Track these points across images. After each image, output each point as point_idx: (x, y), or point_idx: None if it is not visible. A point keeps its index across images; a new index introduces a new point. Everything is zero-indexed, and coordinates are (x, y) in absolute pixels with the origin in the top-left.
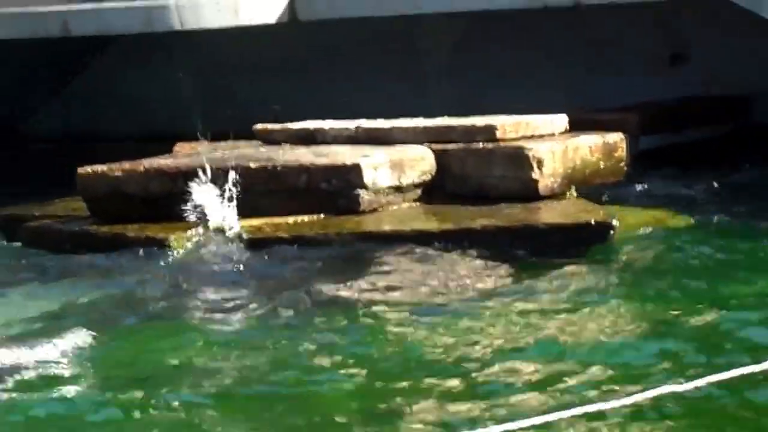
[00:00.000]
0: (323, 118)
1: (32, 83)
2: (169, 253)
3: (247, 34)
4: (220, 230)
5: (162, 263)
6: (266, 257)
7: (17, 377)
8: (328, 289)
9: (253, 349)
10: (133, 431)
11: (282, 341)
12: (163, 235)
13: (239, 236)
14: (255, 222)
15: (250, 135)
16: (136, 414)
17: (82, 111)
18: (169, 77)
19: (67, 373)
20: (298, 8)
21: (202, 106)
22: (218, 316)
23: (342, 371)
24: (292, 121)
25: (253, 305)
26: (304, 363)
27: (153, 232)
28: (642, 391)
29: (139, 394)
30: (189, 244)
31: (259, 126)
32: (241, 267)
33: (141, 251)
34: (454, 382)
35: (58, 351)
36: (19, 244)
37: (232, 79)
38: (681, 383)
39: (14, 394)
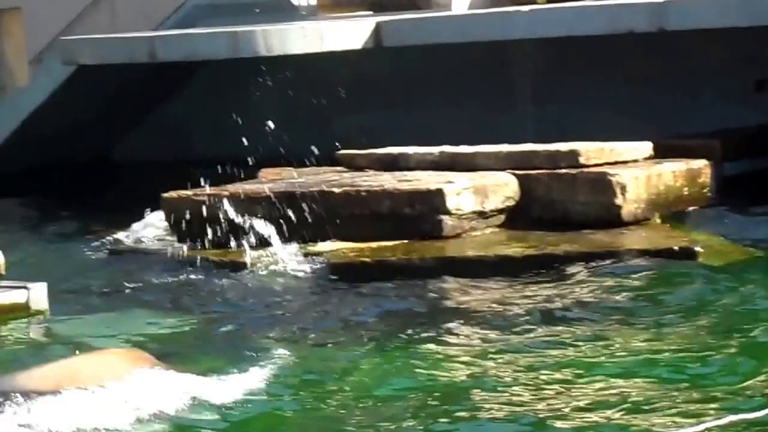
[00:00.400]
0: (407, 143)
1: (122, 109)
2: (251, 276)
3: (333, 60)
4: (304, 254)
5: (244, 287)
6: (349, 282)
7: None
8: (414, 315)
9: (341, 371)
10: None
11: (365, 365)
12: (243, 258)
13: (323, 260)
14: (339, 246)
15: (334, 161)
16: None
17: (169, 137)
18: (254, 104)
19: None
20: (383, 34)
21: (287, 132)
22: (300, 339)
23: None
24: (375, 146)
25: (336, 330)
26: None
27: (236, 256)
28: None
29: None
30: (272, 268)
31: (342, 152)
32: (324, 291)
33: (224, 274)
34: (551, 404)
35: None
36: (106, 263)
37: (317, 104)
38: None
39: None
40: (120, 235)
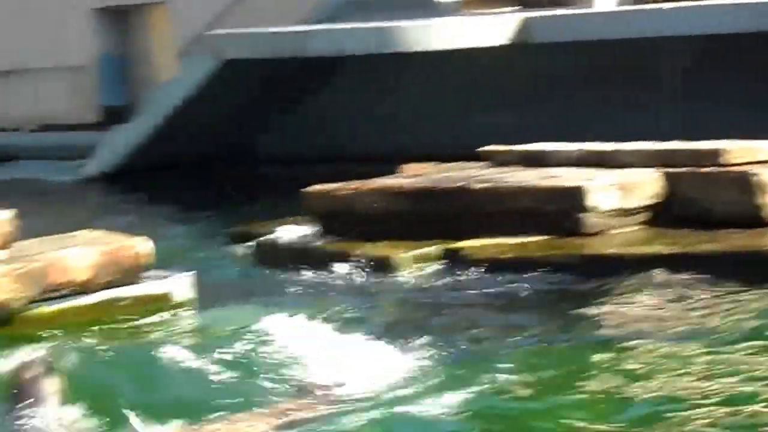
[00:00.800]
0: (549, 140)
1: (267, 104)
2: (394, 271)
3: (476, 56)
4: (444, 249)
5: (386, 281)
6: (490, 277)
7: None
8: (557, 312)
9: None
10: None
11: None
12: (387, 254)
13: (464, 256)
14: (480, 242)
15: (476, 157)
16: None
17: (311, 131)
18: (397, 99)
19: None
20: (531, 30)
21: (430, 127)
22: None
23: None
24: (517, 143)
25: (479, 327)
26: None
27: (378, 250)
28: None
29: None
30: (413, 263)
31: (485, 148)
32: (466, 286)
33: (366, 268)
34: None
35: None
36: (249, 256)
37: (459, 101)
38: None
39: None
40: (263, 229)
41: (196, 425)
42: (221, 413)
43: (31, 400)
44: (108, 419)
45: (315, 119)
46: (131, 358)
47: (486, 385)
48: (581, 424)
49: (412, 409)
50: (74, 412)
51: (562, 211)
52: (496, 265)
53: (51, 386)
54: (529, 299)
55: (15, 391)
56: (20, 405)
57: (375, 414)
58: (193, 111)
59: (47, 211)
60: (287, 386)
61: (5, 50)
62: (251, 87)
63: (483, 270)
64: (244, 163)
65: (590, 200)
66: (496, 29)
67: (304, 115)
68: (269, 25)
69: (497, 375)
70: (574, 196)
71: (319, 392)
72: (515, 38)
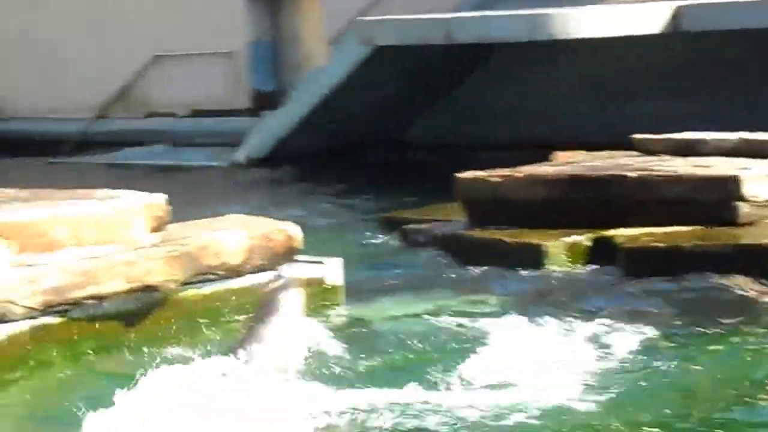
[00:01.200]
0: (700, 129)
1: (417, 91)
2: (543, 259)
3: (629, 44)
4: (595, 239)
5: (537, 272)
6: (642, 268)
7: None
8: (712, 303)
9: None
10: None
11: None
12: (538, 242)
13: (615, 245)
14: (632, 231)
15: (628, 145)
16: None
17: (461, 119)
18: (547, 87)
19: None
20: (683, 19)
21: (581, 115)
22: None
23: None
24: (669, 132)
25: (633, 318)
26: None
27: (529, 238)
28: None
29: None
30: (564, 252)
31: (637, 136)
32: (616, 277)
33: (517, 257)
34: None
35: None
36: (399, 244)
37: (612, 89)
38: None
39: None
40: (413, 215)
41: None
42: None
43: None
44: None
45: (465, 107)
46: None
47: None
48: None
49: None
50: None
51: (717, 200)
52: (646, 254)
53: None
54: (681, 289)
55: (263, 304)
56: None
57: None
58: (343, 98)
59: (198, 195)
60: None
61: (159, 36)
62: (401, 74)
63: (632, 258)
64: (394, 150)
65: (747, 190)
66: (649, 17)
67: (455, 103)
68: (423, 12)
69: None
70: (730, 186)
71: None
72: (668, 27)
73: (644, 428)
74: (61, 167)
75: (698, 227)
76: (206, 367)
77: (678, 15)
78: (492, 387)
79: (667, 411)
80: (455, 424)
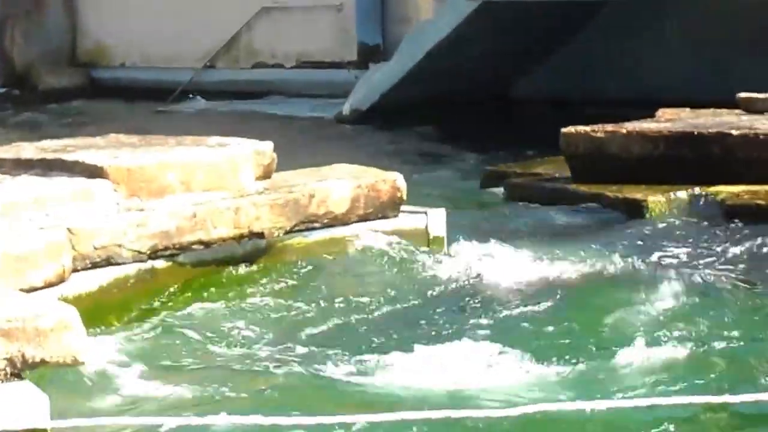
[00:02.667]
0: None
1: (522, 47)
2: (645, 214)
3: (741, 3)
4: (697, 195)
5: (639, 227)
6: (744, 224)
7: None
8: None
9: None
10: None
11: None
12: (641, 197)
13: (717, 201)
14: (734, 189)
15: (733, 104)
16: None
17: (569, 75)
18: (660, 43)
19: None
20: None
21: (689, 73)
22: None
23: None
24: None
25: (732, 275)
26: None
27: (631, 193)
28: None
29: None
30: (666, 207)
31: (743, 95)
32: (719, 234)
33: (620, 213)
34: None
35: None
36: (503, 197)
37: (720, 47)
38: None
39: None
40: (517, 169)
41: None
42: None
43: None
44: None
45: (572, 62)
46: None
47: None
48: None
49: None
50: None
51: None
52: (749, 211)
53: None
54: None
55: None
56: None
57: None
58: (449, 53)
59: (304, 145)
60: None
61: None
62: (507, 29)
63: (736, 215)
64: (499, 105)
65: None
66: None
67: (561, 58)
68: None
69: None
70: None
71: None
72: None
73: None
74: (170, 115)
75: None
76: None
77: None
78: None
79: None
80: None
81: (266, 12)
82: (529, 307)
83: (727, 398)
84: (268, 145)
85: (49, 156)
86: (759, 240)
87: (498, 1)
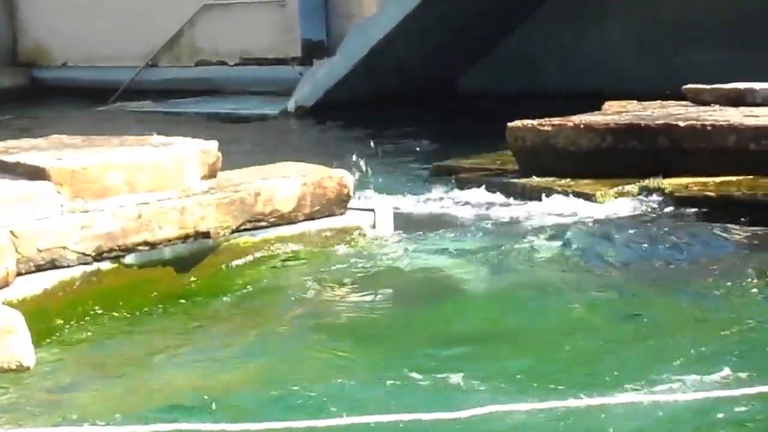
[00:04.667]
0: (755, 80)
1: (467, 41)
2: (594, 208)
3: None
4: (646, 187)
5: (587, 217)
6: (693, 216)
7: None
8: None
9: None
10: None
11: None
12: (589, 190)
13: (666, 193)
14: (682, 180)
15: (679, 95)
16: None
17: (513, 68)
18: (604, 36)
19: None
20: None
21: (633, 65)
22: (640, 273)
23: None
24: (721, 82)
25: (681, 267)
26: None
27: (580, 187)
28: None
29: None
30: (615, 199)
31: (688, 86)
32: (667, 225)
33: (567, 204)
34: None
35: None
36: (450, 192)
37: (663, 39)
38: None
39: None
40: (464, 164)
41: None
42: None
43: None
44: None
45: (516, 56)
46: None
47: None
48: None
49: None
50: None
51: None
52: (697, 202)
53: None
54: (731, 236)
55: None
56: None
57: None
58: (393, 48)
59: (249, 143)
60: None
61: None
62: (451, 24)
63: (682, 206)
64: (445, 100)
65: None
66: None
67: (506, 53)
68: None
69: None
70: None
71: None
72: None
73: None
74: (112, 115)
75: (747, 177)
76: None
77: None
78: None
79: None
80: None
81: (208, 9)
82: (473, 308)
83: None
84: (212, 144)
85: None
86: (708, 232)
87: None
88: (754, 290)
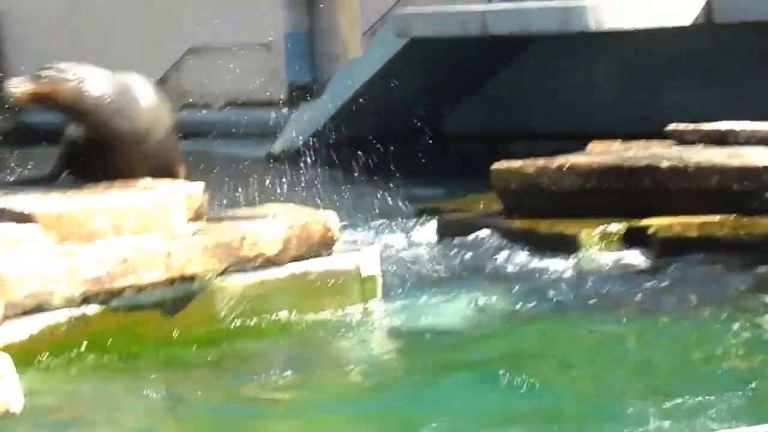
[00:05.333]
0: (736, 119)
1: (453, 82)
2: (579, 249)
3: (663, 36)
4: (631, 229)
5: (572, 264)
6: (676, 256)
7: None
8: (745, 291)
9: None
10: None
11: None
12: (573, 231)
13: (648, 234)
14: (665, 220)
15: (662, 135)
16: None
17: (498, 109)
18: (586, 77)
19: None
20: (715, 10)
21: (616, 106)
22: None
23: None
24: (704, 122)
25: (664, 305)
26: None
27: (564, 227)
28: None
29: None
30: (598, 241)
31: (671, 126)
32: (652, 266)
33: (553, 247)
34: None
35: None
36: (435, 234)
37: (646, 80)
38: None
39: None
40: (449, 205)
41: None
42: None
43: None
44: None
45: (502, 97)
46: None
47: None
48: None
49: None
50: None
51: (751, 190)
52: (680, 243)
53: None
54: (715, 277)
55: None
56: None
57: None
58: (379, 90)
59: (235, 185)
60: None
61: (196, 28)
62: (437, 66)
63: (667, 247)
64: (430, 141)
65: None
66: (681, 9)
67: (491, 93)
68: (458, 2)
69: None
70: (763, 176)
71: None
72: (700, 18)
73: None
74: None
75: (731, 217)
76: None
77: (710, 6)
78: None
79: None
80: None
81: (194, 52)
82: (464, 360)
83: None
84: (198, 187)
85: None
86: (691, 273)
87: (426, 38)
88: (744, 333)
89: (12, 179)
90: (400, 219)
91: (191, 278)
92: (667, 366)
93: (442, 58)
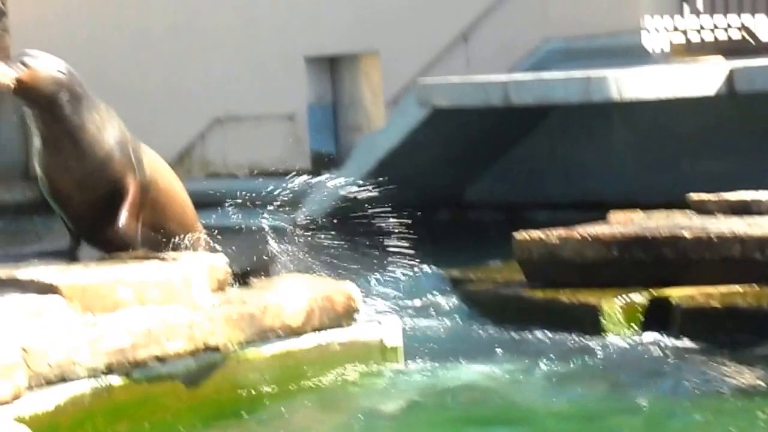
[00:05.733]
0: (758, 188)
1: (474, 151)
2: (601, 320)
3: (684, 105)
4: (651, 299)
5: (591, 338)
6: (699, 328)
7: None
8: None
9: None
10: None
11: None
12: (595, 301)
13: (671, 305)
14: (688, 291)
15: (683, 205)
16: None
17: (518, 178)
18: (606, 146)
19: None
20: (737, 80)
21: (637, 176)
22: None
23: None
24: (725, 191)
25: (688, 377)
26: None
27: (586, 298)
28: None
29: None
30: (621, 312)
31: (693, 196)
32: (675, 342)
33: (574, 317)
34: None
35: None
36: (457, 303)
37: (667, 149)
38: None
39: None
40: (471, 275)
41: None
42: None
43: None
44: None
45: (522, 166)
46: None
47: None
48: None
49: None
50: None
51: None
52: (703, 313)
53: None
54: (738, 348)
55: None
56: None
57: None
58: (402, 159)
59: (258, 256)
60: None
61: (221, 98)
62: (459, 135)
63: (690, 318)
64: (453, 210)
65: None
66: (706, 80)
67: (511, 163)
68: (479, 73)
69: None
70: None
71: None
72: (722, 89)
73: None
74: None
75: (754, 286)
76: None
77: (732, 77)
78: None
79: None
80: None
81: (219, 123)
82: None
83: None
84: (221, 258)
85: (2, 275)
86: (715, 345)
87: (448, 108)
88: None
89: (32, 250)
90: (422, 288)
91: (214, 349)
92: None
93: (465, 127)
